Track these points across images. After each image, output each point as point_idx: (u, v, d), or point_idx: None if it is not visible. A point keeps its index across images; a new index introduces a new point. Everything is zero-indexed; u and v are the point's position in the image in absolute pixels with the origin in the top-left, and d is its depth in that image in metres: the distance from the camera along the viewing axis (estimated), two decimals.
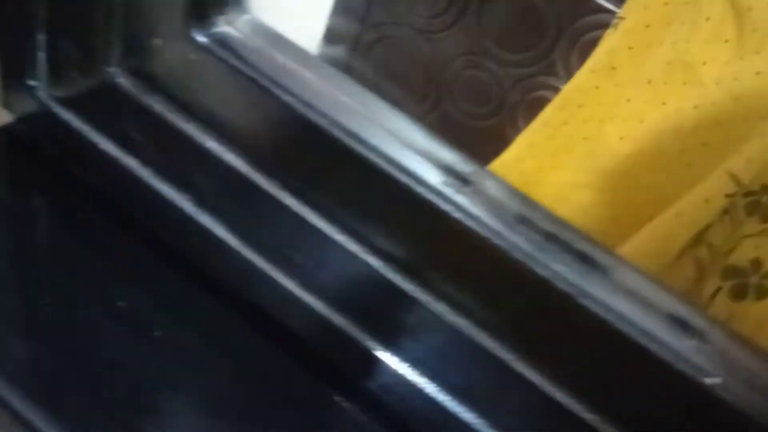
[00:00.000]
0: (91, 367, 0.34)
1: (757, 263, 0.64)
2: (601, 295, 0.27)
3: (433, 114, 0.84)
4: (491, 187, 0.29)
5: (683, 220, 0.65)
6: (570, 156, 0.73)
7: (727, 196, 0.63)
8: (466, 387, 0.33)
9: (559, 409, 0.30)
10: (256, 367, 0.38)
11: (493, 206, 0.29)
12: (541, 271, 0.28)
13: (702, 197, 0.65)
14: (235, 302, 0.38)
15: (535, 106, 0.72)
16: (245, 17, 0.30)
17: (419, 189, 0.29)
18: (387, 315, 0.35)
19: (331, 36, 0.79)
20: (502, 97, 0.79)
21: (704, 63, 0.60)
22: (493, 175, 0.29)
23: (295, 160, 0.33)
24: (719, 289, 0.66)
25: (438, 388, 0.33)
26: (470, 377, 0.33)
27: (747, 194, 0.62)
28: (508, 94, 0.78)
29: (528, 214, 0.29)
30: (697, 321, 0.27)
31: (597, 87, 0.68)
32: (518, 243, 0.28)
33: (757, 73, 0.58)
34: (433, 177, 0.30)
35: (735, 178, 0.63)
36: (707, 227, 0.65)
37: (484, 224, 0.29)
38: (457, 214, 0.29)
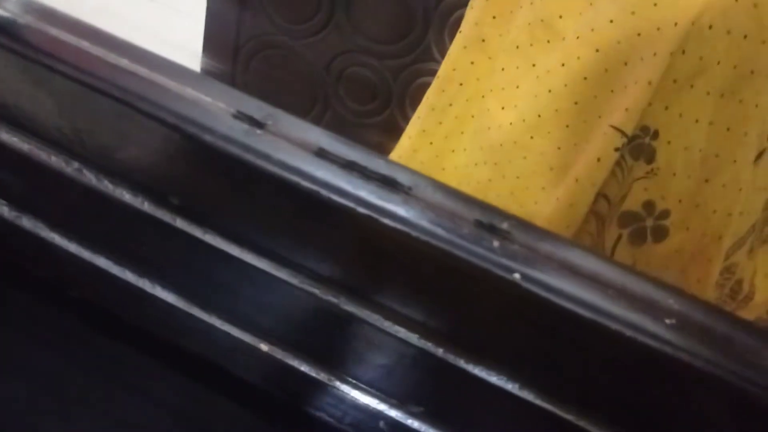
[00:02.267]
0: None
1: (649, 205, 0.65)
2: (404, 213, 0.27)
3: (324, 118, 0.84)
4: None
5: (583, 185, 0.66)
6: (462, 136, 0.74)
7: (616, 149, 0.64)
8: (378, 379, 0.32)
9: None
10: (197, 416, 0.36)
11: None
12: (343, 199, 0.28)
13: (593, 157, 0.65)
14: (147, 342, 0.36)
15: (421, 93, 0.72)
16: None
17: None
18: (312, 330, 0.34)
19: (209, 50, 0.79)
20: (388, 90, 0.80)
21: (560, 17, 0.61)
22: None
23: (104, 141, 0.31)
24: (620, 237, 0.67)
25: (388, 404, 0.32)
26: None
27: (631, 140, 0.63)
28: (393, 86, 0.79)
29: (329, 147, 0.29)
30: (502, 223, 0.27)
31: (472, 62, 0.69)
32: (319, 175, 0.28)
33: (611, 21, 0.60)
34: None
35: (619, 131, 0.64)
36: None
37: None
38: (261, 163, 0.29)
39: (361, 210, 0.27)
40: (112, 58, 0.28)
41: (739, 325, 0.25)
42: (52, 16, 0.29)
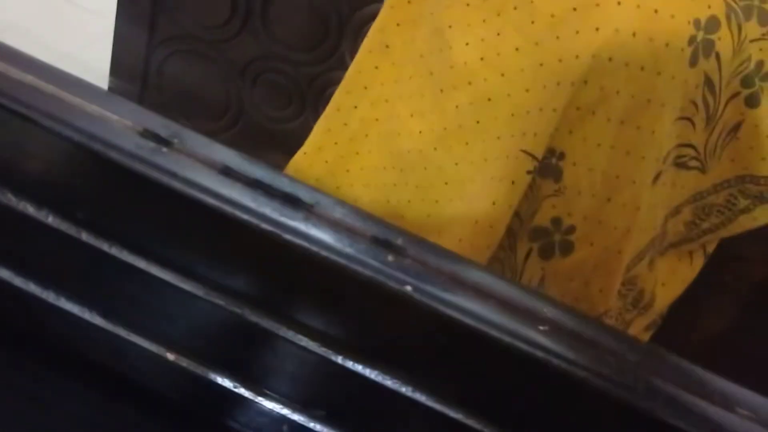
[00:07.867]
0: None
1: (557, 221, 0.71)
2: (305, 230, 0.31)
3: (238, 124, 0.86)
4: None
5: (501, 207, 0.71)
6: (367, 139, 0.77)
7: (528, 172, 0.70)
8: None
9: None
10: (104, 427, 0.37)
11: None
12: (247, 216, 0.31)
13: (508, 181, 0.71)
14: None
15: None
16: None
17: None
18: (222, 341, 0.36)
19: (117, 66, 0.80)
20: (302, 97, 0.83)
21: (450, 26, 0.66)
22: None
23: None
24: (530, 250, 0.73)
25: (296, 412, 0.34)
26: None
27: (540, 161, 0.69)
28: (307, 94, 0.83)
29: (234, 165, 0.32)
30: (398, 239, 0.31)
31: (376, 67, 0.73)
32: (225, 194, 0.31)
33: (516, 48, 0.65)
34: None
35: (530, 155, 0.69)
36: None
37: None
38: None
39: (265, 226, 0.31)
40: (18, 74, 0.30)
41: (603, 330, 0.30)
42: None
